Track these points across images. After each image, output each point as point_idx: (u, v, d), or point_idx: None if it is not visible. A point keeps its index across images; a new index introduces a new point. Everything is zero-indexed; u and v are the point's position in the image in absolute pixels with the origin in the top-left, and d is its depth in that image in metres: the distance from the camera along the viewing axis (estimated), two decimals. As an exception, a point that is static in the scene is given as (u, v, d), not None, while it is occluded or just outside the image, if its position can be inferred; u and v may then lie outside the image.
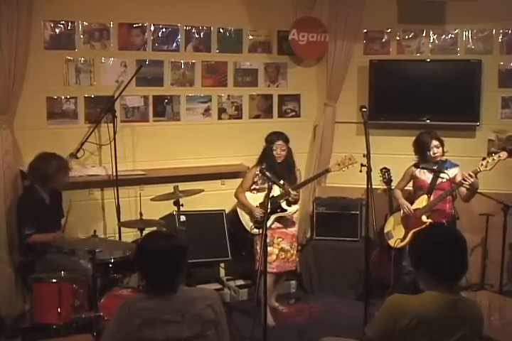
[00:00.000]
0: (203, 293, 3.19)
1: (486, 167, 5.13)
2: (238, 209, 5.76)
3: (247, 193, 5.68)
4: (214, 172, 6.23)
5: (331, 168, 5.67)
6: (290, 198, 5.49)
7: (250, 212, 5.61)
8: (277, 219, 5.59)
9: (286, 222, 5.68)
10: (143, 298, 3.03)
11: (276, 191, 5.42)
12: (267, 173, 5.11)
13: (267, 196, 4.76)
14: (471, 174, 5.14)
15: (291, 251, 5.66)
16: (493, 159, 5.14)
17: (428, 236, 2.96)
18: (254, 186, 5.67)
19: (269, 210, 4.87)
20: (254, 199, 5.64)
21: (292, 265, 5.71)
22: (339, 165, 5.58)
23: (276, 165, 5.55)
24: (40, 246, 4.91)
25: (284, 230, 5.65)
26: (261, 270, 4.50)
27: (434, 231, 3.06)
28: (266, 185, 5.41)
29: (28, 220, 4.91)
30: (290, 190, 5.45)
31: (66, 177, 5.14)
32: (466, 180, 5.17)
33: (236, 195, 5.75)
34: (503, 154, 5.16)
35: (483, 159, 5.21)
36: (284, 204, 5.56)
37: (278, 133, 5.65)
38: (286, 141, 5.62)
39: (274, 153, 5.56)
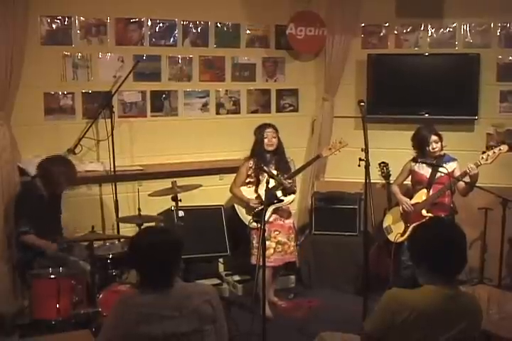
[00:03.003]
0: (200, 288, 3.21)
1: (486, 160, 5.13)
2: (235, 205, 5.75)
3: (242, 188, 5.66)
4: (212, 168, 6.22)
5: (322, 153, 5.68)
6: (286, 187, 5.48)
7: (247, 205, 5.60)
8: (274, 210, 5.59)
9: (283, 212, 5.67)
10: (139, 294, 3.02)
11: (271, 182, 5.40)
12: (265, 167, 5.13)
13: (265, 191, 4.76)
14: (473, 166, 5.14)
15: (289, 243, 5.65)
16: (494, 152, 5.14)
17: (427, 230, 2.96)
18: (248, 179, 5.66)
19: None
20: (250, 193, 5.63)
21: (291, 256, 5.70)
22: (330, 149, 5.61)
23: (267, 155, 5.57)
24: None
25: (280, 222, 5.64)
26: (259, 264, 4.50)
27: (433, 226, 3.06)
28: (260, 178, 5.44)
29: (24, 217, 4.90)
30: (284, 179, 5.44)
31: (68, 186, 5.14)
32: (470, 171, 5.15)
33: (231, 191, 5.74)
34: (504, 147, 5.16)
35: (484, 152, 5.21)
36: (280, 195, 5.54)
37: (267, 124, 5.67)
38: (276, 129, 5.63)
39: (266, 140, 5.56)
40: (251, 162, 5.63)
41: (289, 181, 5.50)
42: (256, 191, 5.59)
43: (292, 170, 5.65)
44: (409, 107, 6.42)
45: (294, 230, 5.79)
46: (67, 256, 4.93)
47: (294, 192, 5.64)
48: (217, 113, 6.44)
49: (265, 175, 5.16)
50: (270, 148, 5.58)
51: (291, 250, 5.69)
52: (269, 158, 5.61)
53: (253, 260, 5.48)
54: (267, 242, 5.30)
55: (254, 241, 5.53)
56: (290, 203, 5.67)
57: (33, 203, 4.97)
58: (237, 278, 6.22)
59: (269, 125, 5.64)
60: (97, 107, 5.73)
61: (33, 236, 4.87)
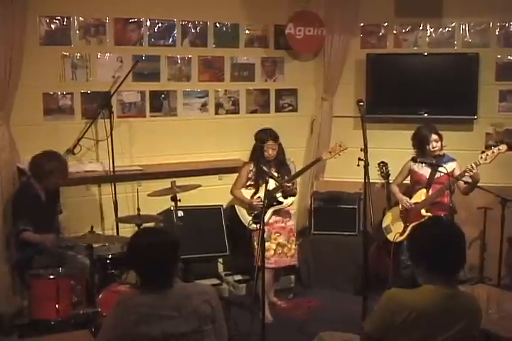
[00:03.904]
0: (199, 288, 3.20)
1: (485, 160, 5.12)
2: (236, 206, 5.74)
3: (243, 190, 5.65)
4: (211, 168, 6.21)
5: (322, 156, 5.64)
6: (286, 190, 5.47)
7: (249, 206, 5.59)
8: (274, 212, 5.58)
9: (283, 214, 5.66)
10: (139, 294, 3.03)
11: (271, 184, 5.40)
12: (264, 168, 5.11)
13: (265, 191, 4.76)
14: (473, 166, 5.13)
15: (289, 246, 5.64)
16: (493, 152, 5.12)
17: (426, 230, 2.96)
18: (249, 182, 5.65)
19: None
20: (250, 195, 5.62)
21: (292, 260, 5.69)
22: (330, 152, 5.56)
23: (267, 163, 5.53)
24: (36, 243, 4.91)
25: (281, 224, 5.63)
26: (259, 265, 4.50)
27: (432, 225, 3.06)
28: (261, 181, 5.42)
29: (22, 215, 4.89)
30: (284, 182, 5.43)
31: (60, 181, 5.09)
32: (470, 170, 5.14)
33: (232, 193, 5.72)
34: (503, 147, 5.14)
35: (483, 152, 5.19)
36: (279, 197, 5.54)
37: (267, 132, 5.57)
38: (276, 139, 5.56)
39: (266, 153, 5.51)
40: (252, 165, 5.62)
41: (289, 185, 5.49)
42: (253, 197, 5.58)
43: (292, 173, 5.64)
44: (409, 107, 6.43)
45: (294, 233, 5.77)
46: (65, 252, 4.93)
47: (294, 195, 5.63)
48: (217, 113, 6.44)
49: (265, 179, 5.11)
50: (270, 159, 5.56)
51: (292, 253, 5.67)
52: (270, 164, 5.58)
53: (255, 262, 5.46)
54: (267, 243, 5.30)
55: (255, 243, 5.51)
56: (289, 205, 5.66)
57: (30, 202, 4.97)
58: (236, 278, 6.22)
59: (269, 134, 5.54)
60: (96, 107, 5.73)
61: (31, 233, 4.86)
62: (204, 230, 5.84)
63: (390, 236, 5.59)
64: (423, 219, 4.98)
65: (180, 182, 5.30)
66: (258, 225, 4.94)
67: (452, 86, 6.32)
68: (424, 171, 5.55)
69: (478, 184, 5.36)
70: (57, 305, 4.47)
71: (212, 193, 6.07)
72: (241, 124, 6.41)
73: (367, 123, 4.86)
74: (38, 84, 5.51)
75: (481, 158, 5.13)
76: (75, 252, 4.95)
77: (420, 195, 5.51)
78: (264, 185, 4.90)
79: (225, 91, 6.46)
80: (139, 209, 5.09)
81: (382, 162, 5.99)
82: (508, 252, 6.05)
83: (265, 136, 5.56)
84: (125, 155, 5.91)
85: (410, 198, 5.58)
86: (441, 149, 5.49)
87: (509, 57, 6.27)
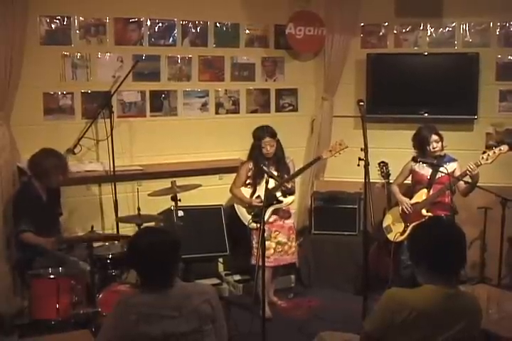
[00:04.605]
0: (200, 288, 3.21)
1: (487, 160, 5.12)
2: (235, 205, 5.74)
3: (242, 188, 5.65)
4: (211, 167, 6.21)
5: (323, 155, 5.63)
6: (285, 188, 5.47)
7: (248, 205, 5.59)
8: (274, 211, 5.58)
9: (283, 213, 5.66)
10: (139, 294, 3.03)
11: (271, 183, 5.39)
12: (264, 167, 5.12)
13: (265, 190, 4.76)
14: (473, 166, 5.13)
15: (289, 244, 5.65)
16: (494, 152, 5.13)
17: (427, 229, 2.96)
18: (248, 181, 5.65)
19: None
20: (249, 194, 5.62)
21: (291, 257, 5.70)
22: (331, 151, 5.55)
23: (266, 161, 5.53)
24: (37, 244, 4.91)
25: (280, 223, 5.64)
26: (259, 265, 4.50)
27: (433, 225, 3.06)
28: (259, 180, 5.42)
29: (23, 215, 4.89)
30: (284, 181, 5.43)
31: (61, 177, 5.07)
32: (471, 171, 5.15)
33: (231, 191, 5.73)
34: (504, 147, 5.15)
35: (484, 152, 5.20)
36: (279, 196, 5.53)
37: (264, 129, 5.58)
38: (274, 135, 5.56)
39: (264, 150, 5.52)
40: (251, 163, 5.62)
41: (291, 185, 5.50)
42: (252, 196, 5.58)
43: (292, 171, 5.64)
44: (409, 107, 6.43)
45: (294, 231, 5.78)
46: (66, 256, 4.92)
47: (292, 193, 5.63)
48: (217, 113, 6.44)
49: (264, 179, 5.11)
50: (269, 156, 5.56)
51: (292, 251, 5.68)
52: (268, 161, 5.58)
53: (253, 260, 5.47)
54: (267, 242, 5.29)
55: (254, 242, 5.52)
56: (289, 204, 5.66)
57: (31, 203, 4.96)
58: (236, 277, 6.21)
59: (266, 131, 5.55)
60: (96, 107, 5.73)
61: (31, 234, 4.85)
62: (204, 230, 5.84)
63: (391, 236, 5.59)
64: (423, 219, 4.99)
65: (180, 181, 5.30)
66: (258, 224, 4.94)
67: (452, 86, 6.32)
68: (425, 171, 5.55)
69: (479, 184, 5.36)
70: (57, 305, 4.46)
71: (213, 193, 6.08)
72: (241, 124, 6.40)
73: (367, 123, 4.86)
74: (39, 84, 5.51)
75: (483, 158, 5.14)
76: (76, 256, 4.94)
77: (421, 195, 5.51)
78: (263, 184, 4.91)
79: (226, 91, 6.46)
80: (139, 209, 5.09)
81: (382, 162, 5.99)
82: (508, 252, 6.05)
83: (262, 132, 5.56)
84: (125, 155, 5.91)
85: (411, 198, 5.58)
86: (441, 149, 5.49)
87: (509, 57, 6.27)
